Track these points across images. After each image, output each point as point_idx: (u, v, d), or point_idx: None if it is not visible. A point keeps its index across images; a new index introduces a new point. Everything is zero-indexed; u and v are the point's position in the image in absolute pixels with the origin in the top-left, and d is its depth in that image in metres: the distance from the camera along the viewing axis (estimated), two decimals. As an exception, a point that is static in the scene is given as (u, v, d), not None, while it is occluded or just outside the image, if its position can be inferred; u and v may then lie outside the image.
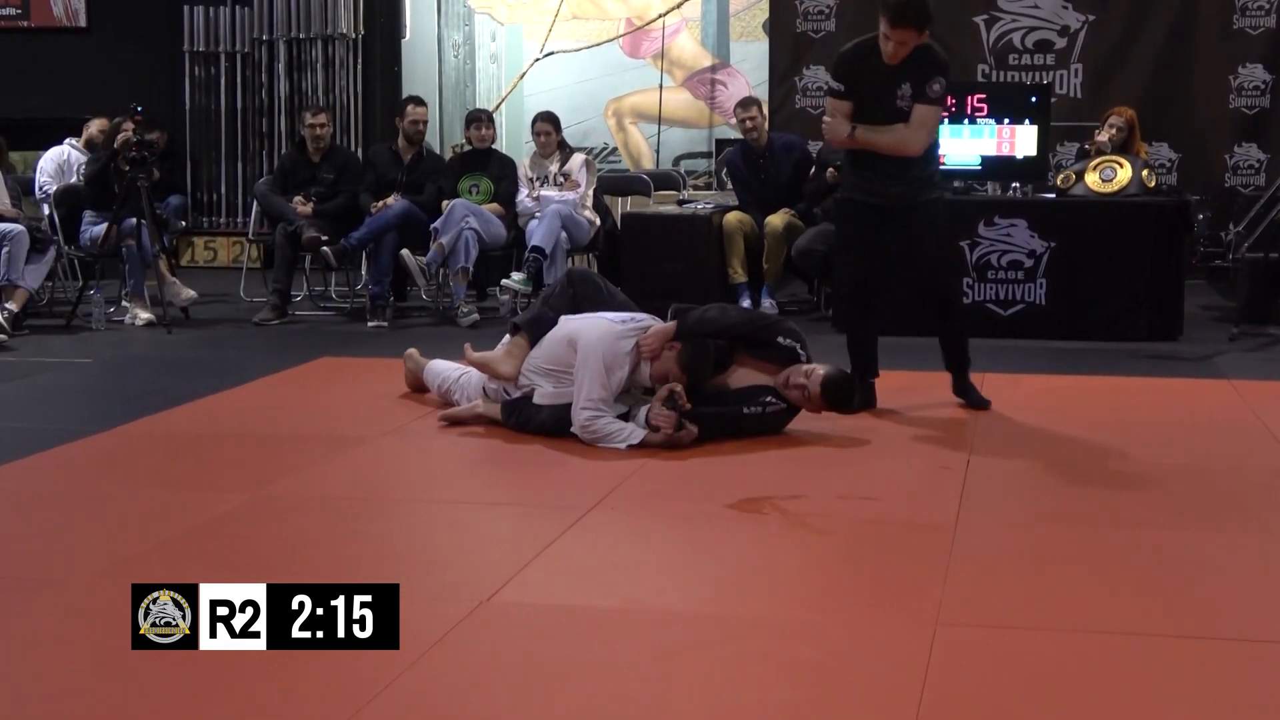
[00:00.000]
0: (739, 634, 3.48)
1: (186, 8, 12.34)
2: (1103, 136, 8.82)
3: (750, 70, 12.50)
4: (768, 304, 9.21)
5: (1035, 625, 3.53)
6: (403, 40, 12.63)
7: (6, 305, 8.43)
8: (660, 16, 12.62)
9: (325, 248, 9.06)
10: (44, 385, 7.07)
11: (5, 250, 8.52)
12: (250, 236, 10.31)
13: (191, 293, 9.24)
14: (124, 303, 9.13)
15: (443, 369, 6.20)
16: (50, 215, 9.50)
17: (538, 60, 12.80)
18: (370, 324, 8.81)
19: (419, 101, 9.79)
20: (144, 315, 8.90)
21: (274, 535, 4.35)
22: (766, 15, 11.90)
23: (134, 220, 8.81)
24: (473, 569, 4.09)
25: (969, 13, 11.03)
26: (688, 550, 4.27)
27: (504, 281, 9.00)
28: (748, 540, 4.38)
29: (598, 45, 12.81)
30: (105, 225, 8.93)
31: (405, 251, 9.00)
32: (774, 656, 3.34)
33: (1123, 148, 8.72)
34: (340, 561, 4.06)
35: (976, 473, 5.07)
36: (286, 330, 8.86)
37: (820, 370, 5.51)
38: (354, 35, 12.21)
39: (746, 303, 9.05)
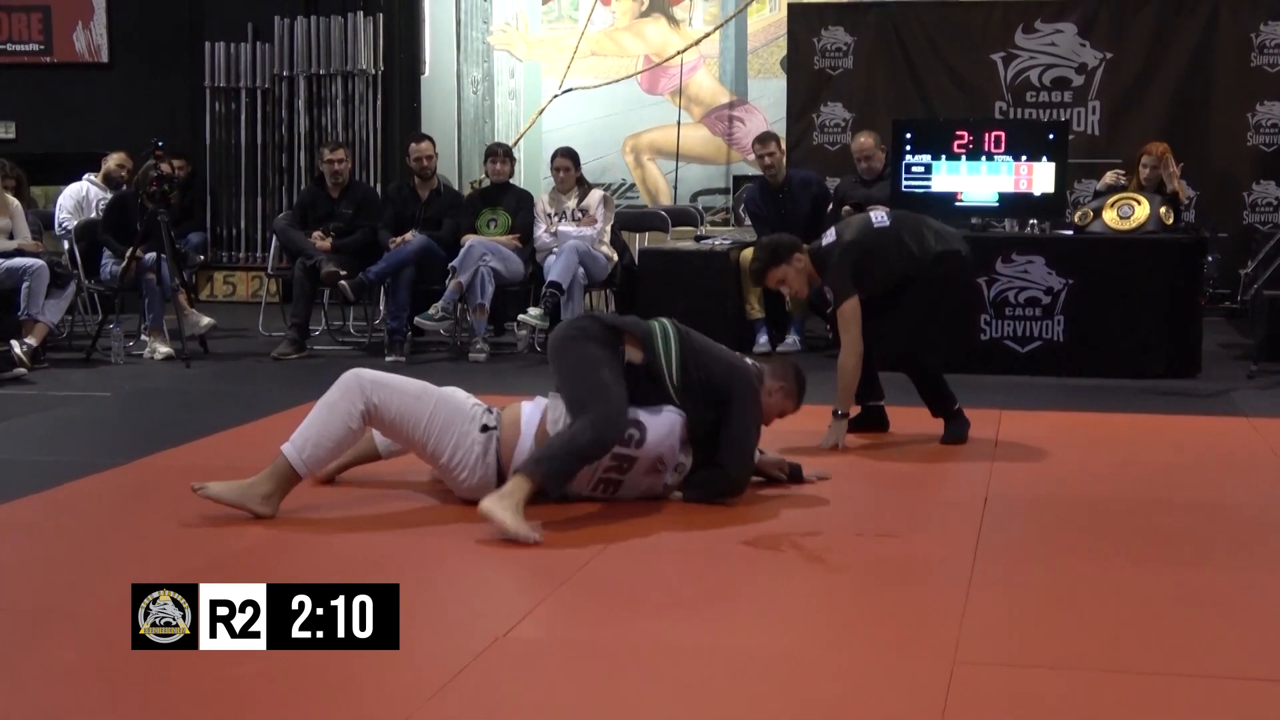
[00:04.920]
0: (756, 670, 3.46)
1: (208, 43, 12.44)
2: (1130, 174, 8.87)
3: (768, 107, 12.55)
4: (793, 339, 9.22)
5: (1053, 664, 3.51)
6: (422, 76, 12.71)
7: (26, 339, 8.46)
8: (679, 53, 12.69)
9: (343, 282, 9.10)
10: (63, 418, 7.09)
11: (26, 285, 8.57)
12: (269, 271, 10.36)
13: (209, 319, 9.28)
14: (143, 337, 9.17)
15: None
16: (70, 250, 9.56)
17: (556, 96, 12.87)
18: (388, 358, 8.82)
19: (419, 138, 9.83)
20: (163, 349, 8.94)
21: (290, 570, 4.34)
22: (784, 52, 11.96)
23: (154, 255, 8.86)
24: (489, 603, 4.09)
25: (986, 50, 11.09)
26: (703, 587, 4.26)
27: (521, 316, 9.03)
28: (764, 577, 4.37)
29: (616, 82, 12.89)
30: (125, 258, 8.99)
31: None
32: (791, 693, 3.33)
33: (1158, 185, 8.72)
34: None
35: (994, 509, 5.06)
36: (305, 365, 8.87)
37: (786, 391, 5.31)
38: (374, 71, 12.29)
39: (764, 338, 9.07)
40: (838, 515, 5.03)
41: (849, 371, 6.06)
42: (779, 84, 12.17)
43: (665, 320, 5.17)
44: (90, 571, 4.32)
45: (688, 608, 4.03)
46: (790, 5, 11.96)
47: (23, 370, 8.17)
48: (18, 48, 12.86)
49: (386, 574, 4.29)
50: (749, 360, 5.29)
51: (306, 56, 12.35)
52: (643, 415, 4.93)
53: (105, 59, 12.78)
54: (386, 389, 4.83)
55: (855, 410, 6.24)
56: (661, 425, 4.94)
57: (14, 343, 8.37)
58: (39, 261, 8.71)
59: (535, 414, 4.94)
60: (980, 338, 8.36)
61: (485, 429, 4.87)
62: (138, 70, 12.64)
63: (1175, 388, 7.81)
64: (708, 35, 12.76)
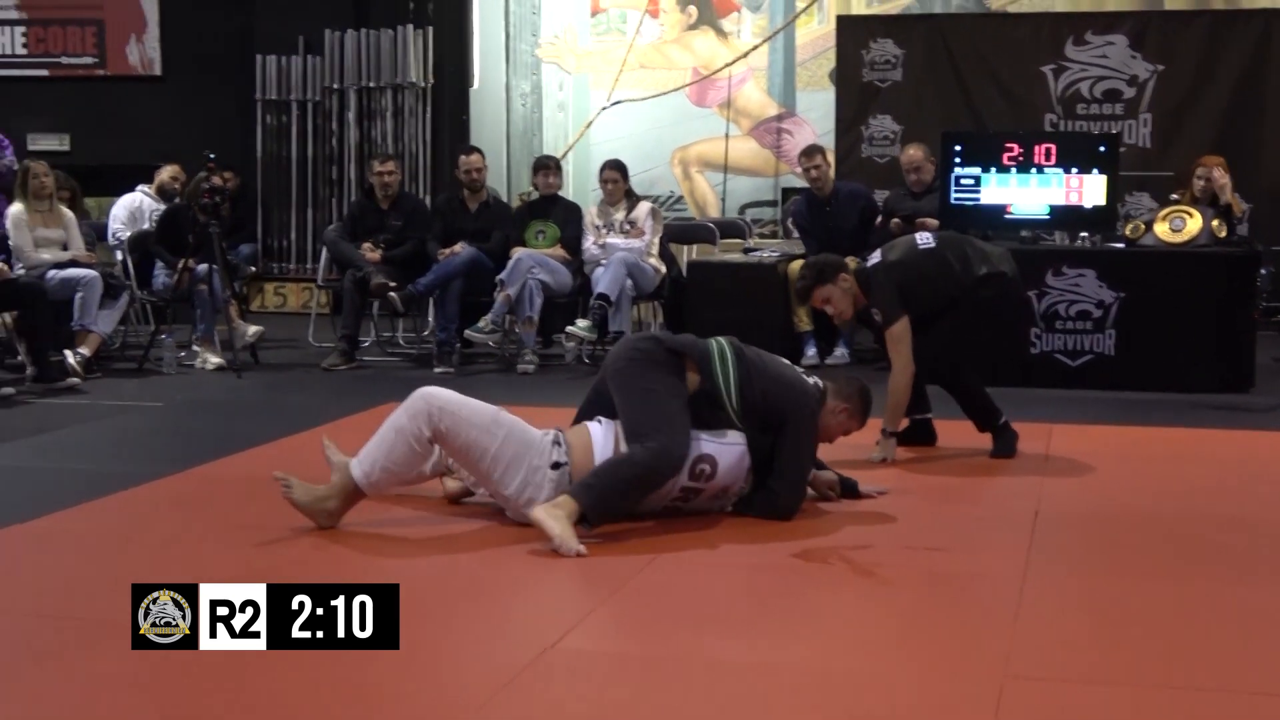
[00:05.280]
0: (804, 684, 3.45)
1: (259, 56, 12.54)
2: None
3: (816, 119, 12.53)
4: (841, 352, 9.20)
5: (1104, 679, 3.49)
6: (471, 89, 12.76)
7: (80, 350, 8.55)
8: (727, 66, 12.69)
9: (393, 294, 9.15)
10: (115, 428, 7.15)
11: (79, 296, 8.66)
12: (319, 282, 10.41)
13: (257, 327, 9.35)
14: (195, 347, 9.24)
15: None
16: (123, 261, 9.64)
17: (605, 109, 12.89)
18: (437, 370, 8.85)
19: (469, 150, 9.87)
20: (214, 359, 9.00)
21: (340, 576, 4.35)
22: (833, 65, 11.95)
23: (206, 266, 8.93)
24: (538, 614, 4.10)
25: (1037, 62, 11.04)
26: (751, 600, 4.25)
27: (569, 329, 9.05)
28: (813, 590, 4.36)
29: (664, 94, 12.90)
30: (177, 270, 9.08)
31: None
32: (839, 708, 3.32)
33: (1212, 198, 8.65)
34: (402, 607, 4.07)
35: (1045, 524, 5.03)
36: (354, 376, 8.92)
37: (850, 412, 5.27)
38: (423, 84, 12.35)
39: (812, 351, 9.05)
40: (887, 529, 5.01)
41: (900, 390, 6.04)
42: (827, 96, 12.15)
43: (723, 340, 5.09)
44: (140, 581, 4.33)
45: (736, 621, 4.02)
46: (839, 18, 11.95)
47: (76, 380, 8.26)
48: (72, 61, 13.01)
49: (437, 585, 4.32)
50: (813, 379, 5.20)
51: (357, 69, 12.43)
52: (712, 447, 4.89)
53: (158, 72, 12.92)
54: (455, 416, 4.72)
55: (904, 424, 6.22)
56: (730, 456, 4.92)
57: (67, 353, 8.46)
58: (92, 272, 8.80)
59: (607, 439, 4.87)
60: (1031, 351, 8.32)
61: (556, 465, 4.77)
62: (190, 83, 12.76)
63: (1227, 402, 7.74)
64: (756, 48, 12.75)
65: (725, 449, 4.91)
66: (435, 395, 4.76)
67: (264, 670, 3.38)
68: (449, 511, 5.15)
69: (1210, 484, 5.79)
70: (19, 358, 8.61)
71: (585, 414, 5.05)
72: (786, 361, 5.25)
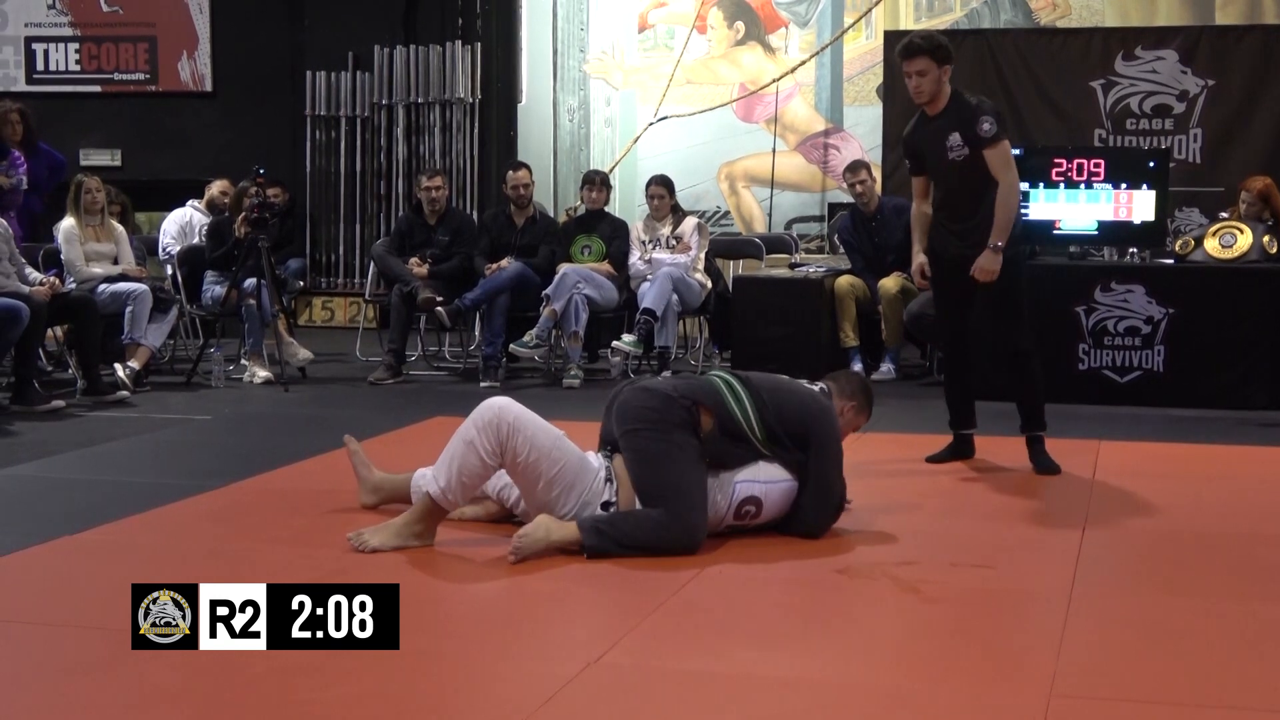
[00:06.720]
0: (846, 701, 3.44)
1: (309, 73, 12.63)
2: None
3: (864, 135, 12.51)
4: (887, 368, 9.17)
5: (1152, 698, 3.46)
6: (519, 105, 12.81)
7: (129, 363, 8.62)
8: (774, 81, 12.69)
9: (440, 308, 9.18)
10: (164, 441, 7.20)
11: (129, 309, 8.73)
12: (367, 297, 10.48)
13: (308, 353, 9.41)
14: (243, 361, 9.31)
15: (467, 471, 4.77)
16: (173, 275, 9.72)
17: (652, 124, 12.90)
18: (483, 384, 8.88)
19: (516, 166, 9.90)
20: (262, 373, 9.06)
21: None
22: (880, 80, 11.92)
23: (254, 280, 8.99)
24: (582, 628, 4.10)
25: (1086, 77, 10.96)
26: (795, 616, 4.24)
27: (615, 343, 9.06)
28: (856, 607, 4.34)
29: (711, 110, 12.90)
30: (226, 283, 9.14)
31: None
32: (883, 725, 3.30)
33: (1257, 220, 8.59)
34: (447, 620, 4.08)
35: (1091, 541, 4.99)
36: (401, 390, 8.95)
37: (856, 409, 5.26)
38: (471, 100, 12.41)
39: (858, 366, 9.02)
40: (932, 545, 4.98)
41: (1013, 206, 5.99)
42: (875, 111, 12.12)
43: (724, 374, 5.03)
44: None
45: (780, 637, 4.01)
46: (887, 33, 11.91)
47: (125, 393, 8.33)
48: (124, 77, 13.14)
49: (477, 598, 4.32)
50: (817, 384, 5.16)
51: (405, 85, 12.51)
52: (759, 489, 4.87)
53: (209, 88, 13.03)
54: (523, 434, 4.67)
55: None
56: (777, 494, 4.90)
57: (117, 366, 8.54)
58: (142, 286, 8.87)
59: None
60: (1078, 367, 8.27)
61: (607, 505, 4.75)
62: (240, 99, 12.86)
63: (1278, 419, 7.67)
64: (803, 63, 12.75)
65: (772, 488, 4.89)
66: (508, 410, 4.72)
67: (304, 680, 3.40)
68: (495, 530, 5.15)
69: (1260, 502, 5.74)
70: (69, 371, 8.72)
71: (607, 442, 5.00)
72: (785, 376, 5.18)
